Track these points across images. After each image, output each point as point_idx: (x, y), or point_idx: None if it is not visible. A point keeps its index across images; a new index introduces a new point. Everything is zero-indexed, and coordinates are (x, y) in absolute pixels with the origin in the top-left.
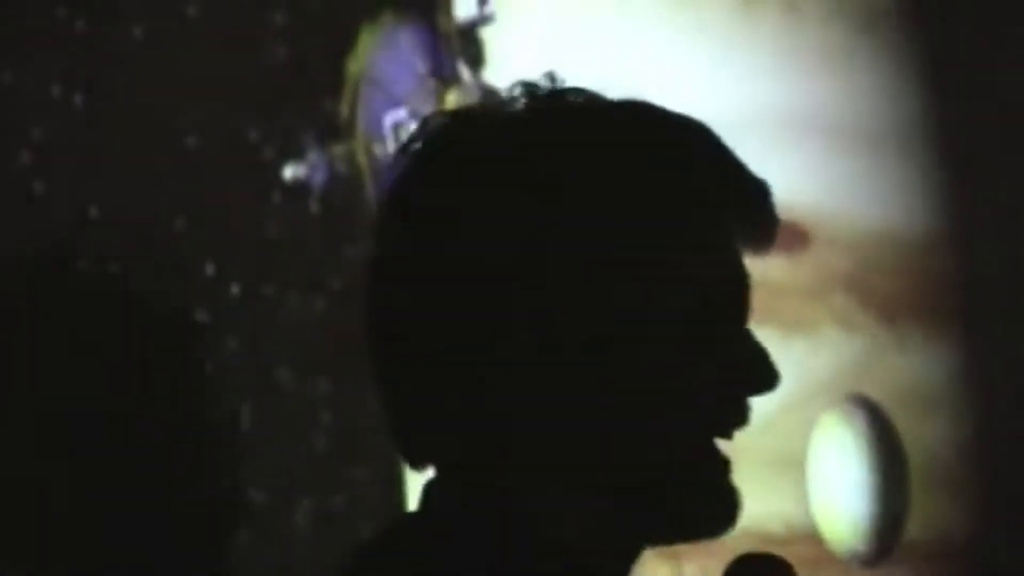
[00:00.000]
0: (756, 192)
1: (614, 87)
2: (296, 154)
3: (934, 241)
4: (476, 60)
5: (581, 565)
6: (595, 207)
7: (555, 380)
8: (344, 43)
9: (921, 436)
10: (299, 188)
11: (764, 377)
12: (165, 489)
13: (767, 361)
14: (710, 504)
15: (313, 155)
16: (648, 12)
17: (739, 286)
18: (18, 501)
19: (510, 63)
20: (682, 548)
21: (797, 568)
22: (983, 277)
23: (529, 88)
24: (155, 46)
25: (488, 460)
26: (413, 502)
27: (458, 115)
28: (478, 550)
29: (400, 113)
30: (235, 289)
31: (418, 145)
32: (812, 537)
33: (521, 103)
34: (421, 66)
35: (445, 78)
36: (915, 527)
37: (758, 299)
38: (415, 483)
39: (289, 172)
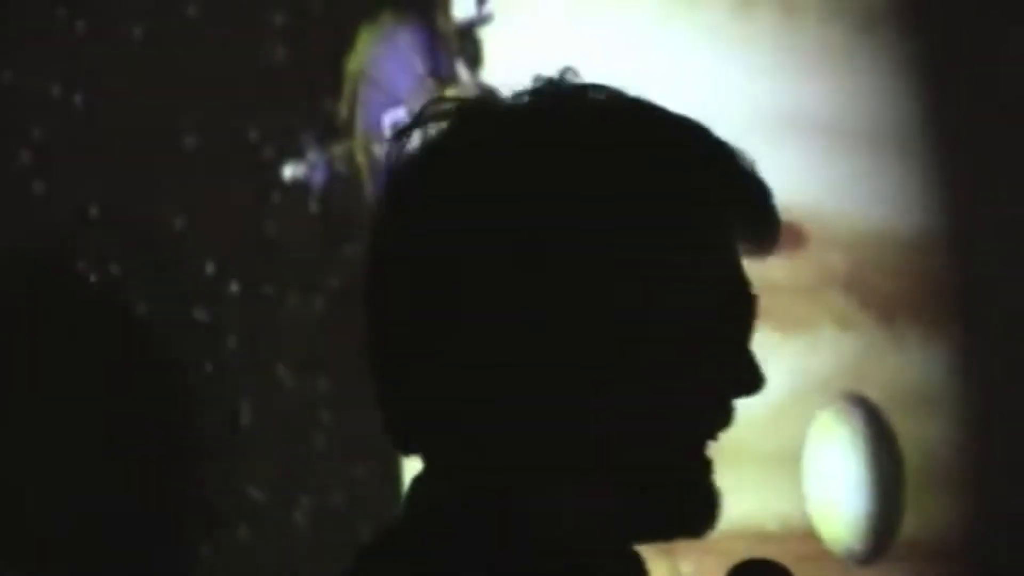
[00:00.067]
0: (757, 193)
1: (612, 87)
2: (295, 154)
3: (932, 241)
4: (474, 60)
5: (581, 565)
6: (596, 207)
7: (555, 380)
8: (343, 43)
9: (918, 435)
10: (298, 188)
11: (751, 380)
12: (165, 488)
13: (754, 363)
14: (696, 503)
15: (312, 155)
16: (647, 12)
17: (740, 286)
18: (18, 501)
19: (508, 63)
20: (679, 546)
21: (794, 566)
22: (981, 277)
23: (541, 83)
24: (155, 46)
25: (488, 460)
26: None
27: (460, 109)
28: (478, 550)
29: (399, 113)
30: (235, 288)
31: (417, 136)
32: (808, 535)
33: (526, 99)
34: (420, 66)
35: (443, 78)
36: (912, 526)
37: None
38: None
39: (288, 172)
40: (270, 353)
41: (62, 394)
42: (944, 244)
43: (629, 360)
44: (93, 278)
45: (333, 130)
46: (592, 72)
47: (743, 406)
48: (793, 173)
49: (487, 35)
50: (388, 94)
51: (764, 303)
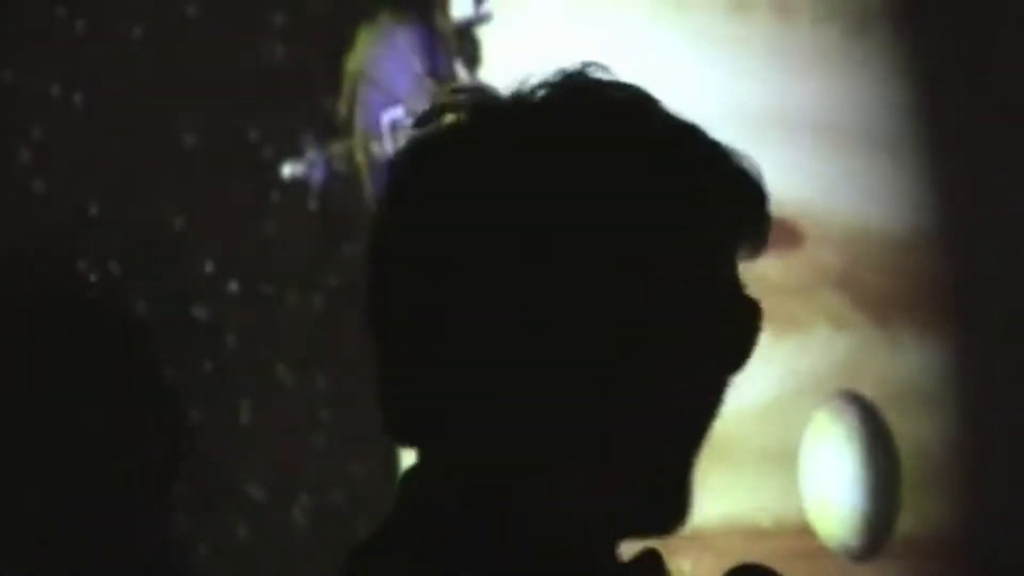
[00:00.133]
0: (755, 194)
1: (630, 84)
2: (295, 153)
3: (925, 240)
4: (472, 59)
5: (581, 565)
6: (596, 206)
7: (555, 379)
8: (342, 43)
9: (912, 433)
10: (297, 186)
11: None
12: (164, 487)
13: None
14: (677, 501)
15: (311, 153)
16: (641, 12)
17: (739, 287)
18: (18, 501)
19: (506, 62)
20: (677, 544)
21: (789, 562)
22: (974, 275)
23: (555, 78)
24: (155, 46)
25: (488, 459)
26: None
27: (464, 105)
28: (478, 550)
29: (397, 112)
30: (234, 287)
31: (423, 133)
32: (803, 532)
33: (533, 95)
34: (418, 65)
35: (442, 77)
36: (906, 523)
37: None
38: None
39: (288, 170)
40: (269, 351)
41: (61, 393)
42: (937, 243)
43: (629, 360)
44: (93, 277)
45: (332, 129)
46: None
47: (739, 404)
48: (788, 172)
49: (485, 35)
50: (387, 93)
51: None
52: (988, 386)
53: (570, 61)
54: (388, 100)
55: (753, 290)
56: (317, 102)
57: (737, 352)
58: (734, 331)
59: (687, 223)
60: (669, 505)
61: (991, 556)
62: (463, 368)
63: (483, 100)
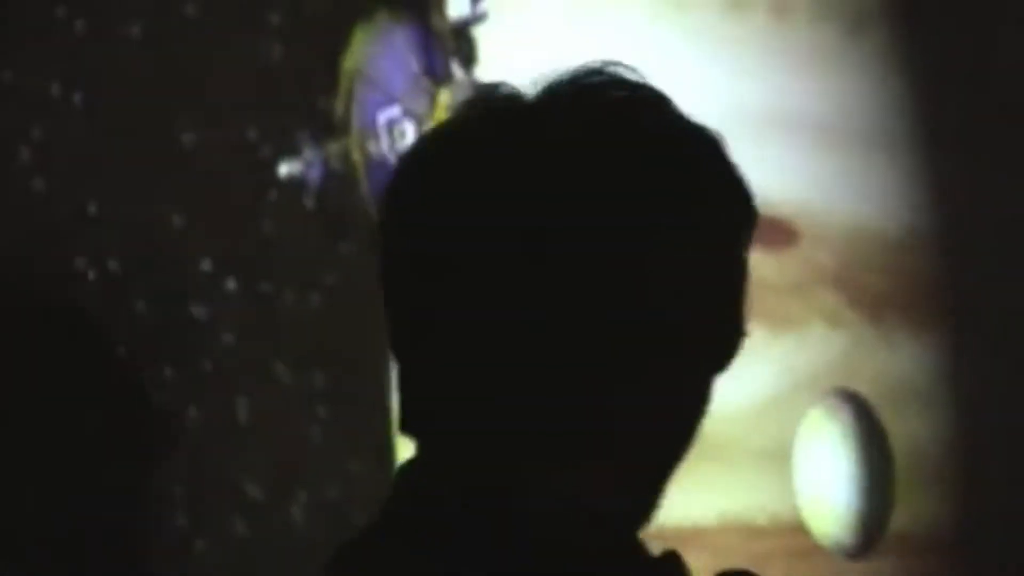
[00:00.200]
0: (751, 194)
1: (636, 83)
2: (292, 151)
3: (920, 239)
4: (469, 58)
5: (581, 565)
6: (596, 206)
7: (556, 379)
8: (339, 43)
9: (907, 431)
10: (295, 185)
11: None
12: (162, 485)
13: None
14: (661, 499)
15: (309, 152)
16: (641, 12)
17: (739, 287)
18: (18, 501)
19: (502, 61)
20: (673, 541)
21: (784, 560)
22: (969, 274)
23: (560, 77)
24: (154, 46)
25: (488, 459)
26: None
27: (465, 106)
28: (478, 550)
29: (394, 111)
30: (232, 285)
31: (425, 133)
32: (798, 529)
33: (536, 95)
34: (415, 64)
35: (438, 76)
36: (901, 520)
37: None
38: None
39: (285, 169)
40: (267, 350)
41: (61, 393)
42: (932, 242)
43: (629, 359)
44: (92, 275)
45: (329, 128)
46: None
47: (735, 403)
48: (784, 171)
49: (481, 34)
50: (383, 92)
51: (752, 300)
52: (982, 385)
53: (569, 61)
54: (385, 99)
55: (749, 289)
56: (314, 101)
57: (729, 352)
58: (733, 331)
59: (687, 223)
60: (658, 503)
61: (985, 554)
62: (463, 368)
63: (484, 100)
